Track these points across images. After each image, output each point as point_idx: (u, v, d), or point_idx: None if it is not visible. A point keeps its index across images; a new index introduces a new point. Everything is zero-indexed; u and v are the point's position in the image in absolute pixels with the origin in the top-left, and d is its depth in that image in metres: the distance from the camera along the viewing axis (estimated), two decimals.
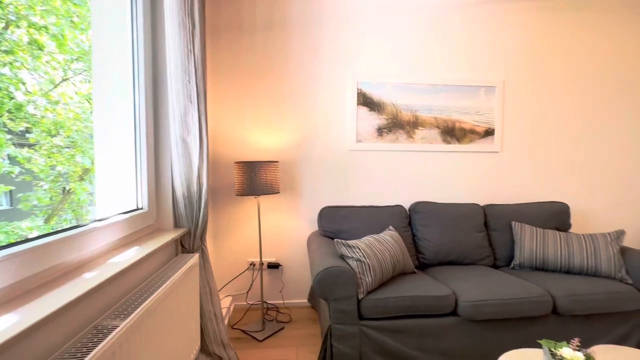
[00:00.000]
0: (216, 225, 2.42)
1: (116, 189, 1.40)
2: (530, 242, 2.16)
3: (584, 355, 1.02)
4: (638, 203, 2.78)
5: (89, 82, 1.67)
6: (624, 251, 2.02)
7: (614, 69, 2.69)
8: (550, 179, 2.68)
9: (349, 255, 1.75)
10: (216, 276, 2.42)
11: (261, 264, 2.21)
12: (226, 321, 2.17)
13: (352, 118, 2.46)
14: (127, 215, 1.30)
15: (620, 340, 1.83)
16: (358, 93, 2.46)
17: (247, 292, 2.46)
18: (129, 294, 1.09)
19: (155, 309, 1.07)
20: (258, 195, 2.03)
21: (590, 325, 1.81)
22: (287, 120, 2.43)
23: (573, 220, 2.65)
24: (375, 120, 2.50)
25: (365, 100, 2.48)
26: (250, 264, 2.45)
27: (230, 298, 2.40)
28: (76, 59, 1.70)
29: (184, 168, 1.50)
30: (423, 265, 2.23)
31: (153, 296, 1.05)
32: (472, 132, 2.59)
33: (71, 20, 1.60)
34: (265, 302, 2.48)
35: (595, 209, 2.74)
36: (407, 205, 2.50)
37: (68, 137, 1.71)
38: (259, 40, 2.37)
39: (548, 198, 2.68)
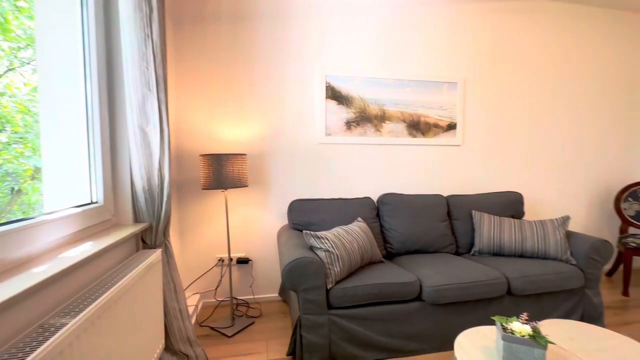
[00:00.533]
0: (182, 221, 2.34)
1: (67, 183, 1.31)
2: (488, 229, 2.29)
3: (531, 327, 1.10)
4: (580, 192, 3.05)
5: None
6: (569, 235, 2.21)
7: (563, 72, 2.91)
8: (506, 171, 2.87)
9: (318, 246, 1.77)
10: (183, 273, 2.34)
11: (230, 259, 2.17)
12: (194, 319, 2.12)
13: (321, 111, 2.47)
14: (80, 210, 1.22)
15: (566, 315, 2.01)
16: (327, 87, 2.48)
17: (216, 288, 2.41)
18: (82, 291, 1.03)
19: (112, 306, 1.01)
20: (225, 188, 1.98)
21: (540, 303, 1.97)
22: (255, 113, 2.40)
23: (526, 207, 2.86)
24: (344, 114, 2.53)
25: (334, 94, 2.50)
26: (219, 260, 2.39)
27: (198, 295, 2.33)
28: (24, 47, 1.57)
29: (144, 160, 1.44)
30: (390, 255, 2.30)
31: (108, 293, 0.99)
32: (436, 126, 2.70)
33: (15, 5, 1.47)
34: (235, 298, 2.44)
35: (545, 197, 2.97)
36: (375, 197, 2.57)
37: (16, 132, 1.58)
38: (224, 31, 2.31)
39: (504, 188, 2.86)
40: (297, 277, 1.63)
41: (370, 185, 2.61)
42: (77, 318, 0.84)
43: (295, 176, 2.49)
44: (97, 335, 0.92)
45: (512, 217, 2.51)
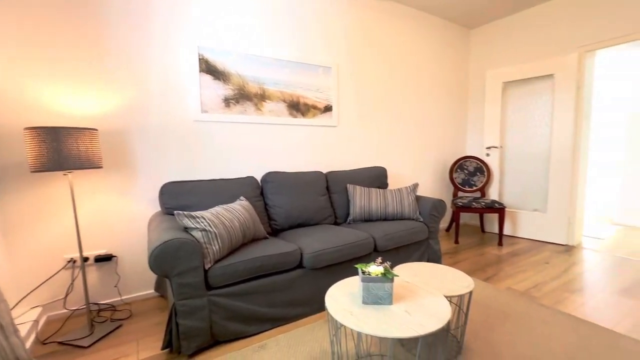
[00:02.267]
0: (7, 216, 1.80)
1: None
2: (360, 199, 2.59)
3: (383, 267, 1.30)
4: (427, 165, 3.79)
5: None
6: (418, 198, 2.70)
7: (410, 67, 3.50)
8: (374, 148, 3.29)
9: (193, 226, 1.64)
10: (15, 283, 1.82)
11: (84, 259, 1.80)
12: (32, 336, 1.69)
13: (195, 85, 2.27)
14: None
15: (416, 261, 2.44)
16: (200, 59, 2.29)
17: (66, 296, 1.97)
18: None
19: None
20: (69, 170, 1.61)
21: (399, 255, 2.36)
22: (110, 82, 2.02)
23: (389, 179, 3.36)
24: (222, 90, 2.39)
25: (209, 68, 2.33)
26: (69, 261, 1.96)
27: (39, 309, 1.86)
28: None
29: None
30: (275, 231, 2.35)
31: None
32: (315, 107, 2.86)
33: None
34: (95, 304, 2.05)
35: (402, 170, 3.56)
36: (259, 176, 2.55)
37: None
38: None
39: (372, 163, 3.28)
40: (168, 262, 1.48)
41: (253, 164, 2.57)
42: None
43: (168, 157, 2.23)
44: None
45: (379, 187, 2.90)
